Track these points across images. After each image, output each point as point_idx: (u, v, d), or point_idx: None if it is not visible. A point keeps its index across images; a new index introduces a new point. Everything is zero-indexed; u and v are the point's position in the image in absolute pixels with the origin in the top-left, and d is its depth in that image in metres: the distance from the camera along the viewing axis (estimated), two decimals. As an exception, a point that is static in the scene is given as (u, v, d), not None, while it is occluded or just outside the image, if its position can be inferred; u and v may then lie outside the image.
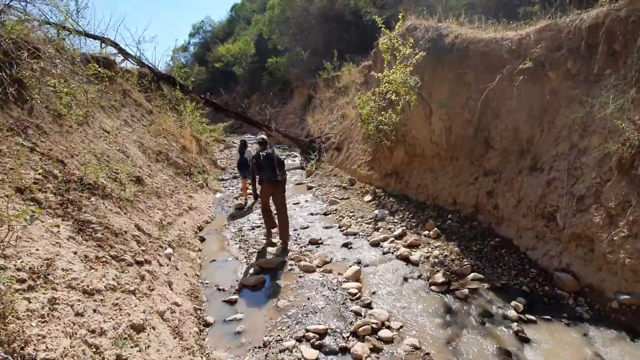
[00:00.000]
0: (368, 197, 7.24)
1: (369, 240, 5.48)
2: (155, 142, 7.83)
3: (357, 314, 3.64)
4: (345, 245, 5.40)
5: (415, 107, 6.15)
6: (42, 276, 2.39)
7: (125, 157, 5.82)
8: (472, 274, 4.27)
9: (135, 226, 4.09)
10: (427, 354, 3.09)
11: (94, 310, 2.52)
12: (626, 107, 3.66)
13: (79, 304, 2.44)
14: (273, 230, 5.73)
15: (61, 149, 4.17)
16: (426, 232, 5.41)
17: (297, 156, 12.71)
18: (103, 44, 9.83)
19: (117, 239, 3.47)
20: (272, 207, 5.56)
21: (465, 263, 4.49)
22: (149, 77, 10.04)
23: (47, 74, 4.54)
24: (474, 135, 5.55)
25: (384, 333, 3.31)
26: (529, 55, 4.61)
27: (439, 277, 4.20)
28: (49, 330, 2.17)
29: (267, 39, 20.22)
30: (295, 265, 4.76)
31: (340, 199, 7.53)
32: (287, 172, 10.73)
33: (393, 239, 5.38)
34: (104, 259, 3.07)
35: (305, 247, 5.41)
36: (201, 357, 3.05)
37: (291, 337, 3.31)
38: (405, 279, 4.34)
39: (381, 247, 5.24)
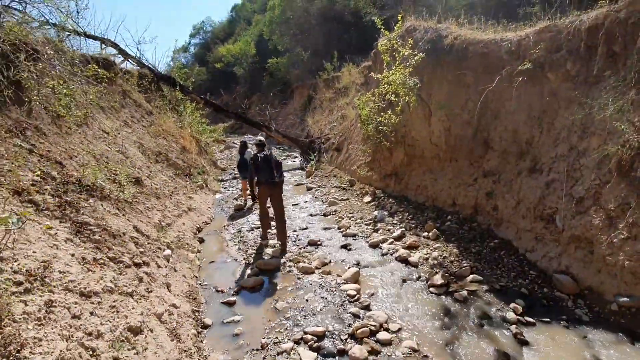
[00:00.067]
0: (367, 198, 7.23)
1: (368, 242, 5.47)
2: (154, 143, 7.83)
3: (356, 316, 3.63)
4: (345, 246, 5.40)
5: (414, 108, 6.15)
6: (38, 279, 2.39)
7: (125, 158, 5.82)
8: (471, 276, 4.26)
9: (134, 228, 4.09)
10: (426, 356, 3.08)
11: (91, 313, 2.51)
12: (626, 108, 3.65)
13: (75, 307, 2.44)
14: (272, 232, 5.73)
15: (60, 150, 4.17)
16: (425, 234, 5.40)
17: (297, 157, 12.71)
18: (103, 45, 9.84)
19: (115, 241, 3.47)
20: (270, 209, 5.56)
21: (465, 265, 4.48)
22: (149, 77, 10.03)
23: (46, 75, 4.55)
24: (473, 136, 5.54)
25: (382, 335, 3.30)
26: (529, 57, 4.60)
27: (438, 279, 4.19)
28: (46, 333, 2.17)
29: (268, 40, 20.23)
30: (294, 266, 4.76)
31: (340, 200, 7.53)
32: (287, 173, 10.79)
33: (392, 240, 5.37)
34: (101, 261, 3.07)
35: (304, 248, 5.40)
36: (199, 359, 3.05)
37: (289, 339, 3.30)
38: (404, 281, 4.33)
39: (380, 248, 5.24)
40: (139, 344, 2.66)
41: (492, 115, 5.28)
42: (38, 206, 3.04)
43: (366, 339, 3.26)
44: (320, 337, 3.31)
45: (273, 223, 5.76)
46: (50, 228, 2.62)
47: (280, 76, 19.91)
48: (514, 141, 4.97)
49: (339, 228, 6.11)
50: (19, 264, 2.35)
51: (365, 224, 6.16)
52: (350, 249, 5.31)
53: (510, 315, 3.56)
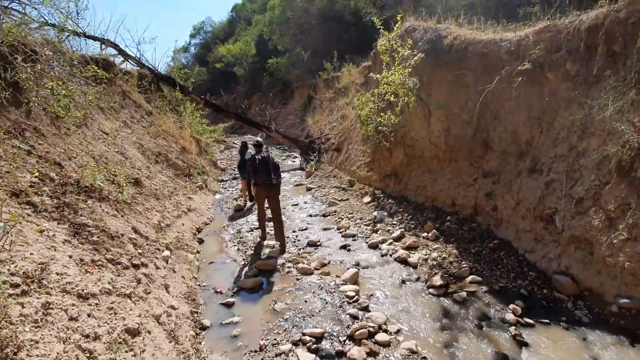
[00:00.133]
0: (367, 199, 7.22)
1: (367, 242, 5.47)
2: (154, 144, 7.84)
3: (354, 317, 3.62)
4: (344, 247, 5.39)
5: (414, 108, 6.13)
6: (36, 281, 2.39)
7: (124, 158, 5.82)
8: (470, 277, 4.25)
9: (132, 229, 4.09)
10: (424, 358, 3.07)
11: (89, 315, 2.51)
12: (625, 109, 3.63)
13: (73, 309, 2.43)
14: (271, 232, 5.74)
15: (59, 151, 4.17)
16: (425, 234, 5.39)
17: (296, 157, 12.71)
18: (103, 45, 9.85)
19: (114, 242, 3.47)
20: (269, 210, 5.57)
21: (464, 265, 4.47)
22: (148, 78, 10.03)
23: (45, 76, 4.55)
24: (473, 136, 5.53)
25: (380, 337, 3.29)
26: (528, 57, 4.58)
27: (437, 280, 4.18)
28: (42, 335, 2.16)
29: (268, 40, 20.23)
30: (293, 267, 4.75)
31: (340, 201, 7.52)
32: (287, 173, 10.79)
33: (391, 240, 5.36)
34: (99, 263, 3.07)
35: (303, 249, 5.40)
36: (197, 361, 3.04)
37: (288, 340, 3.29)
38: (403, 282, 4.33)
39: (380, 249, 5.23)
40: (137, 345, 2.65)
41: (491, 116, 5.26)
42: (36, 208, 3.03)
43: (365, 340, 3.25)
44: (319, 338, 3.31)
45: (271, 224, 5.75)
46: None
47: (280, 76, 19.91)
48: (513, 141, 4.95)
49: (338, 229, 6.10)
50: (16, 266, 2.35)
51: (365, 225, 6.15)
52: (349, 250, 5.30)
53: (510, 316, 3.55)
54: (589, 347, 3.15)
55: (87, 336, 2.37)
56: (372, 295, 4.07)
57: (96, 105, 6.14)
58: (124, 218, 4.16)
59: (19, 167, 3.28)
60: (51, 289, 2.43)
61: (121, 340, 2.56)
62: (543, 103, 4.56)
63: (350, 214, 6.74)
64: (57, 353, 2.14)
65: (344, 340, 3.28)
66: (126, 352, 2.53)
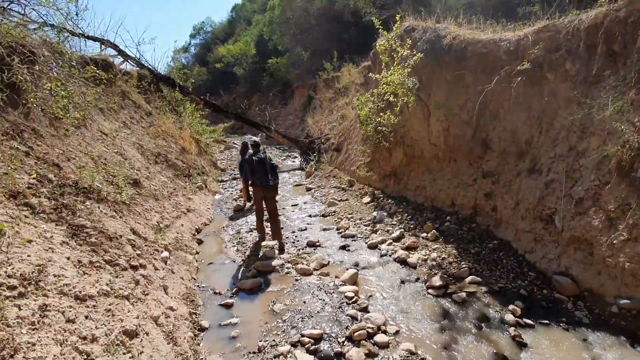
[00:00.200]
0: (367, 199, 7.21)
1: (367, 243, 5.46)
2: (154, 144, 7.83)
3: (353, 318, 3.61)
4: (343, 247, 5.38)
5: (413, 108, 6.12)
6: (33, 282, 2.38)
7: (123, 159, 5.82)
8: (469, 277, 4.24)
9: (131, 230, 4.08)
10: (423, 359, 3.06)
11: (86, 317, 2.50)
12: (625, 108, 3.62)
13: (70, 311, 2.43)
14: (268, 233, 5.75)
15: (57, 152, 4.17)
16: (424, 234, 5.38)
17: (296, 157, 12.70)
18: (103, 46, 9.85)
19: (112, 244, 3.46)
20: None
21: (463, 266, 4.46)
22: (148, 78, 10.03)
23: (44, 77, 4.54)
24: (473, 136, 5.52)
25: (379, 338, 3.28)
26: (527, 57, 4.56)
27: (437, 281, 4.17)
28: (39, 337, 2.16)
29: (268, 40, 20.22)
30: (292, 268, 4.74)
31: (339, 201, 7.51)
32: (287, 173, 10.78)
33: (391, 241, 5.35)
34: (97, 264, 3.06)
35: (303, 249, 5.39)
36: (195, 362, 3.04)
37: (286, 342, 3.28)
38: (403, 282, 4.31)
39: (379, 249, 5.22)
40: (135, 347, 2.65)
41: (491, 116, 5.25)
42: (34, 209, 3.03)
43: (363, 341, 3.24)
44: (318, 339, 3.30)
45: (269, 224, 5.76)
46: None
47: (280, 76, 19.89)
48: (513, 141, 4.94)
49: (338, 229, 6.09)
50: (13, 268, 2.34)
51: (364, 225, 6.14)
52: (349, 250, 5.29)
53: (509, 317, 3.54)
54: (589, 348, 3.14)
55: (85, 338, 2.37)
56: (371, 295, 4.06)
57: (95, 106, 6.13)
58: (122, 219, 4.15)
59: (16, 168, 3.27)
60: (48, 290, 2.42)
61: (119, 342, 2.55)
62: (542, 103, 4.55)
63: (349, 214, 6.73)
64: (54, 355, 2.13)
65: (343, 342, 3.27)
66: (124, 354, 2.52)
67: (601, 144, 3.79)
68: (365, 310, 3.76)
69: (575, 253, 3.86)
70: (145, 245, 4.09)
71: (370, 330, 3.35)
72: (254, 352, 3.18)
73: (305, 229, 6.22)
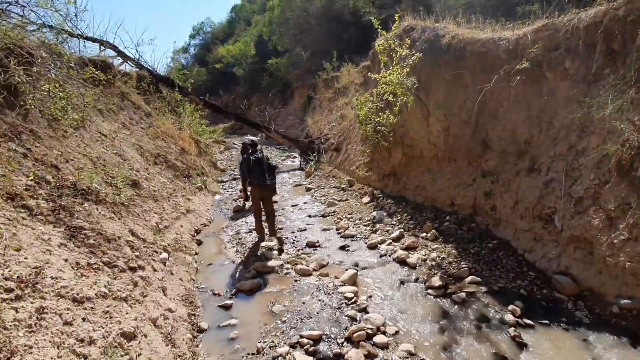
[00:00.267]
0: (366, 199, 7.20)
1: (366, 243, 5.44)
2: (153, 145, 7.82)
3: (353, 318, 3.60)
4: (343, 247, 5.37)
5: (412, 108, 6.11)
6: (30, 285, 2.37)
7: (122, 160, 5.81)
8: (469, 277, 4.23)
9: (130, 231, 4.07)
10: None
11: (84, 319, 2.50)
12: (625, 107, 3.60)
13: (67, 313, 2.42)
14: (268, 234, 5.75)
15: (56, 154, 4.16)
16: (424, 234, 5.37)
17: (296, 157, 12.69)
18: (102, 47, 9.85)
19: (110, 245, 3.45)
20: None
21: (463, 266, 4.45)
22: (147, 79, 10.02)
23: (42, 78, 4.53)
24: (472, 136, 5.50)
25: (379, 339, 3.27)
26: (527, 56, 4.55)
27: (436, 281, 4.15)
28: (36, 340, 2.15)
29: (267, 40, 20.20)
30: (292, 268, 4.73)
31: (339, 201, 7.50)
32: (286, 174, 10.77)
33: (390, 241, 5.33)
34: (95, 266, 3.05)
35: (302, 250, 5.38)
36: (194, 364, 3.03)
37: (285, 343, 3.27)
38: (402, 283, 4.30)
39: (378, 249, 5.20)
40: (133, 349, 2.64)
41: (490, 115, 5.23)
42: (31, 211, 3.02)
43: (363, 342, 3.23)
44: (317, 340, 3.28)
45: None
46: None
47: (280, 76, 19.88)
48: (512, 141, 4.92)
49: (337, 229, 6.08)
50: (10, 271, 2.34)
51: (364, 225, 6.12)
52: (348, 251, 5.28)
53: (509, 317, 3.52)
54: (589, 349, 3.12)
55: (82, 340, 2.36)
56: (370, 296, 4.05)
57: (94, 107, 6.13)
58: (121, 220, 4.14)
59: (14, 170, 3.26)
60: (45, 293, 2.41)
61: (117, 344, 2.55)
62: (542, 102, 4.53)
63: (349, 214, 6.72)
64: (51, 358, 2.12)
65: (342, 343, 3.26)
66: (121, 356, 2.52)
67: (601, 143, 3.78)
68: (364, 310, 3.75)
69: (575, 252, 3.85)
70: (144, 247, 4.08)
71: (369, 331, 3.34)
72: (252, 354, 3.17)
73: (305, 229, 6.21)
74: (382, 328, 3.43)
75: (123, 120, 7.38)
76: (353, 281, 4.33)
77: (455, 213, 5.69)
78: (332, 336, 3.35)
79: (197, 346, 3.28)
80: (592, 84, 4.02)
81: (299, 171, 11.14)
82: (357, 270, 4.57)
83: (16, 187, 3.09)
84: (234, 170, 11.14)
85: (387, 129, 6.72)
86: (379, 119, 6.78)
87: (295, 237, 5.89)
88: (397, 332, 3.41)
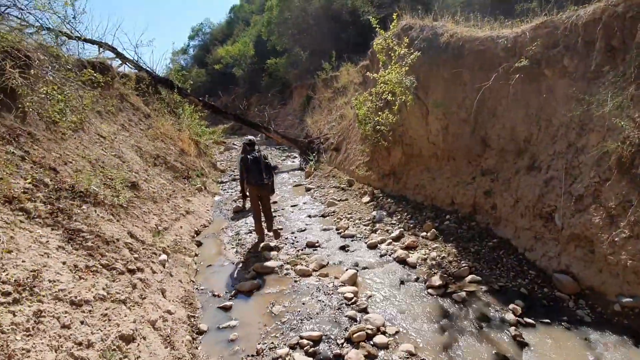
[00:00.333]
0: (366, 198, 7.18)
1: (366, 243, 5.43)
2: (153, 146, 7.82)
3: (353, 319, 3.59)
4: (343, 247, 5.35)
5: (411, 107, 6.09)
6: (27, 288, 2.37)
7: (121, 162, 5.80)
8: (469, 276, 4.21)
9: (128, 233, 4.07)
10: (423, 360, 3.03)
11: (82, 322, 2.49)
12: (625, 104, 3.58)
13: (65, 316, 2.41)
14: (269, 234, 5.74)
15: (54, 156, 4.15)
16: (424, 234, 5.35)
17: (296, 157, 12.68)
18: (101, 49, 9.84)
19: (109, 247, 3.45)
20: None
21: (463, 265, 4.43)
22: (146, 80, 10.02)
23: (40, 80, 4.53)
24: (471, 134, 5.48)
25: (379, 339, 3.26)
26: (525, 53, 4.53)
27: (436, 280, 4.14)
28: (34, 343, 2.14)
29: (266, 40, 20.19)
30: (291, 269, 4.72)
31: (339, 201, 7.48)
32: (286, 174, 10.76)
33: (390, 240, 5.32)
34: (94, 268, 3.04)
35: (302, 250, 5.36)
36: (193, 366, 3.02)
37: (285, 344, 3.26)
38: (402, 282, 4.29)
39: (378, 249, 5.19)
40: (131, 352, 2.63)
41: (489, 113, 5.21)
42: (29, 214, 3.01)
43: (363, 343, 3.22)
44: (317, 341, 3.27)
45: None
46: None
47: (279, 76, 19.87)
48: (511, 139, 4.90)
49: (337, 229, 6.06)
50: (7, 274, 2.33)
51: (364, 225, 6.11)
52: (348, 251, 5.27)
53: (510, 316, 3.50)
54: (591, 348, 3.10)
55: (80, 344, 2.35)
56: (370, 296, 4.04)
57: (93, 109, 6.12)
58: (119, 222, 4.13)
59: (12, 173, 3.26)
60: (43, 296, 2.41)
61: (115, 347, 2.54)
62: (541, 100, 4.51)
63: (349, 214, 6.71)
64: (49, 361, 2.11)
65: (342, 343, 3.25)
66: (120, 359, 2.51)
67: (601, 141, 3.76)
68: (364, 311, 3.73)
69: (575, 251, 3.83)
70: (143, 249, 4.07)
71: (369, 332, 3.32)
72: (252, 355, 3.16)
73: (305, 230, 6.19)
74: (382, 328, 3.42)
75: (122, 122, 7.37)
76: (353, 281, 4.31)
77: (455, 212, 5.67)
78: (332, 337, 3.33)
79: (197, 348, 3.27)
80: (592, 82, 4.00)
81: (299, 171, 11.12)
82: (357, 270, 4.55)
83: (14, 190, 3.08)
84: (233, 171, 11.13)
85: (386, 128, 6.70)
86: (378, 118, 6.77)
87: (295, 237, 5.87)
88: (397, 332, 3.40)
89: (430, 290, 4.06)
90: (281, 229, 6.16)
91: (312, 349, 3.17)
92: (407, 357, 3.07)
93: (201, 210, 7.15)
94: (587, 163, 3.86)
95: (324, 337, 3.33)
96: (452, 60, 5.51)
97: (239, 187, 9.05)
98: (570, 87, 4.17)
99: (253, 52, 22.74)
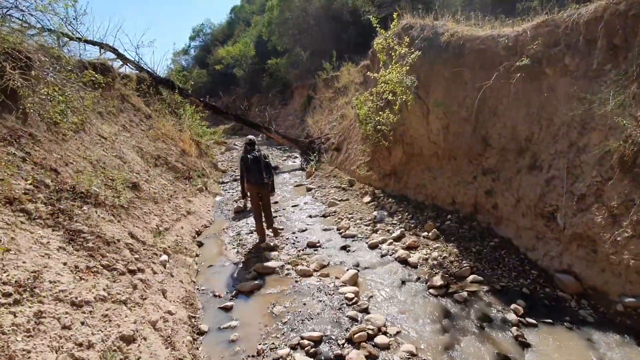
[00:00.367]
0: (367, 198, 7.17)
1: (367, 243, 5.42)
2: (154, 147, 7.83)
3: (354, 319, 3.58)
4: (344, 248, 5.35)
5: (412, 106, 6.07)
6: (28, 289, 2.37)
7: (123, 163, 5.81)
8: (471, 276, 4.19)
9: (129, 234, 4.07)
10: (424, 360, 3.02)
11: (82, 323, 2.49)
12: (627, 103, 3.56)
13: (66, 317, 2.41)
14: (270, 235, 5.73)
15: (55, 157, 4.16)
16: (425, 233, 5.33)
17: (297, 157, 12.67)
18: (102, 50, 9.87)
19: (109, 248, 3.45)
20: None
21: (465, 265, 4.41)
22: (147, 81, 10.04)
23: (41, 82, 4.54)
24: (472, 133, 5.46)
25: (380, 339, 3.25)
26: (526, 52, 4.51)
27: (438, 280, 4.12)
28: (35, 344, 2.15)
29: (267, 41, 20.20)
30: (292, 269, 4.72)
31: (340, 201, 7.47)
32: (287, 174, 10.76)
33: (391, 240, 5.31)
34: (94, 269, 3.05)
35: (303, 250, 5.36)
36: (194, 366, 3.02)
37: (286, 344, 3.26)
38: (403, 282, 4.28)
39: (380, 249, 5.18)
40: (132, 353, 2.63)
41: (490, 112, 5.19)
42: (30, 215, 3.02)
43: (364, 343, 3.21)
44: (317, 342, 3.27)
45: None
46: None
47: (280, 77, 19.88)
48: (512, 138, 4.88)
49: (338, 229, 6.05)
50: (8, 275, 2.33)
51: (365, 225, 6.10)
52: (349, 251, 5.26)
53: (511, 316, 3.49)
54: (594, 348, 3.09)
55: (80, 345, 2.35)
56: (371, 296, 4.03)
57: (94, 110, 6.13)
58: (120, 223, 4.14)
59: (13, 174, 3.26)
60: (44, 297, 2.41)
61: (115, 347, 2.54)
62: (542, 99, 4.49)
63: (350, 214, 6.70)
64: (49, 362, 2.11)
65: (343, 344, 3.24)
66: (120, 359, 2.51)
67: (603, 139, 3.73)
68: (365, 311, 3.72)
69: (577, 250, 3.81)
70: (144, 249, 4.08)
71: (370, 332, 3.31)
72: (253, 356, 3.15)
73: (306, 230, 6.19)
74: (384, 328, 3.41)
75: (123, 123, 7.39)
76: (354, 281, 4.31)
77: (457, 211, 5.65)
78: (333, 337, 3.33)
79: (197, 349, 3.27)
80: (593, 80, 3.97)
81: (300, 171, 11.12)
82: (358, 271, 4.54)
83: (15, 191, 3.09)
84: (234, 171, 11.14)
85: (387, 128, 6.69)
86: (378, 118, 6.75)
87: (296, 237, 5.87)
88: (398, 333, 3.39)
89: (431, 291, 4.04)
90: (282, 229, 6.16)
91: (313, 349, 3.16)
92: (409, 358, 3.06)
93: (202, 211, 7.16)
94: (589, 162, 3.83)
95: (324, 337, 3.33)
96: (452, 60, 5.50)
97: (240, 188, 9.08)
98: (572, 85, 4.15)
99: (254, 53, 22.76)
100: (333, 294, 4.05)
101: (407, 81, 5.81)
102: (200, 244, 5.76)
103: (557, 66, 4.30)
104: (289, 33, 17.82)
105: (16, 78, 3.75)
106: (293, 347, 3.21)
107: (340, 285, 4.21)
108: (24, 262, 2.52)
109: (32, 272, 2.48)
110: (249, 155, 5.27)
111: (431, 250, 4.91)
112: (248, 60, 23.08)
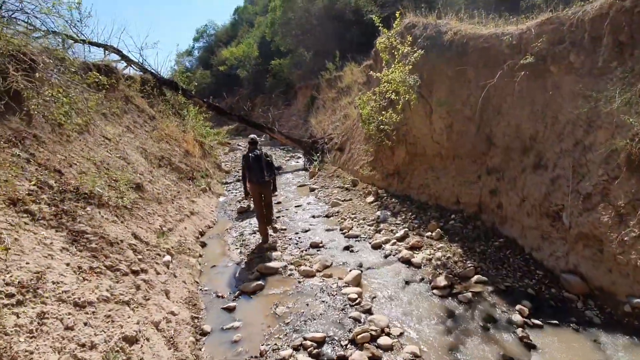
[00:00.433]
0: (370, 198, 7.14)
1: (370, 243, 5.39)
2: (157, 148, 7.87)
3: (357, 320, 3.56)
4: (347, 248, 5.32)
5: (415, 105, 6.04)
6: (31, 290, 2.38)
7: (126, 163, 5.84)
8: (475, 277, 4.15)
9: (133, 234, 4.08)
10: (428, 362, 2.99)
11: (85, 324, 2.50)
12: (634, 100, 3.50)
13: (69, 318, 2.42)
14: (272, 235, 5.73)
15: (59, 158, 4.19)
16: (429, 234, 5.30)
17: (300, 158, 12.68)
18: (106, 51, 9.96)
19: (113, 249, 3.46)
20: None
21: (469, 265, 4.37)
22: (151, 82, 10.10)
23: (45, 83, 4.57)
24: (476, 132, 5.41)
25: (383, 340, 3.23)
26: (530, 50, 4.46)
27: (441, 281, 4.09)
28: (37, 345, 2.15)
29: (270, 41, 20.26)
30: (295, 269, 4.70)
31: (343, 201, 7.45)
32: (290, 174, 10.76)
33: (395, 241, 5.28)
34: (97, 270, 3.06)
35: (306, 251, 5.34)
36: (197, 367, 3.01)
37: (288, 345, 3.24)
38: (407, 283, 4.25)
39: (383, 249, 5.15)
40: (135, 353, 2.63)
41: (494, 111, 5.14)
42: (34, 216, 3.04)
43: (367, 344, 3.18)
44: (320, 343, 3.25)
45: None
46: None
47: (283, 77, 19.92)
48: (517, 137, 4.83)
49: (341, 229, 6.04)
50: (11, 276, 2.35)
51: (368, 225, 6.07)
52: (352, 251, 5.24)
53: (517, 317, 3.45)
54: (601, 349, 3.04)
55: (83, 345, 2.36)
56: (375, 297, 4.00)
57: (98, 111, 6.17)
58: (124, 224, 4.15)
59: (17, 175, 3.29)
60: (47, 298, 2.42)
61: (118, 348, 2.54)
62: (547, 97, 4.44)
63: (353, 214, 6.67)
64: (52, 363, 2.12)
65: (346, 345, 3.22)
66: (123, 360, 2.51)
67: (609, 138, 3.68)
68: (368, 312, 3.70)
69: (583, 250, 3.75)
70: (147, 250, 4.09)
71: (373, 333, 3.29)
72: (256, 357, 3.14)
73: (309, 230, 6.18)
74: (387, 329, 3.39)
75: (127, 124, 7.43)
76: (357, 282, 4.28)
77: (461, 211, 5.60)
78: (336, 338, 3.31)
79: (200, 349, 3.27)
80: (599, 78, 3.92)
81: (303, 172, 11.12)
82: (361, 271, 4.52)
83: (19, 192, 3.11)
84: (238, 172, 11.15)
85: (390, 128, 6.66)
86: (381, 117, 6.72)
87: (299, 237, 5.86)
88: (401, 334, 3.36)
89: (435, 291, 4.01)
90: (284, 229, 6.15)
91: (316, 350, 3.15)
92: (412, 359, 3.03)
93: (205, 211, 7.17)
94: (595, 161, 3.78)
95: (327, 338, 3.31)
96: (456, 58, 5.45)
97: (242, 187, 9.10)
98: (577, 83, 4.09)
99: (257, 53, 22.83)
100: (336, 294, 4.04)
101: (410, 80, 5.78)
102: (203, 245, 5.77)
103: (562, 64, 4.24)
104: (292, 33, 17.84)
105: (19, 80, 3.77)
106: (296, 348, 3.20)
107: (343, 286, 4.19)
108: (27, 263, 2.53)
109: (35, 273, 2.49)
110: (250, 154, 5.28)
111: (435, 250, 4.87)
112: (251, 61, 23.16)
